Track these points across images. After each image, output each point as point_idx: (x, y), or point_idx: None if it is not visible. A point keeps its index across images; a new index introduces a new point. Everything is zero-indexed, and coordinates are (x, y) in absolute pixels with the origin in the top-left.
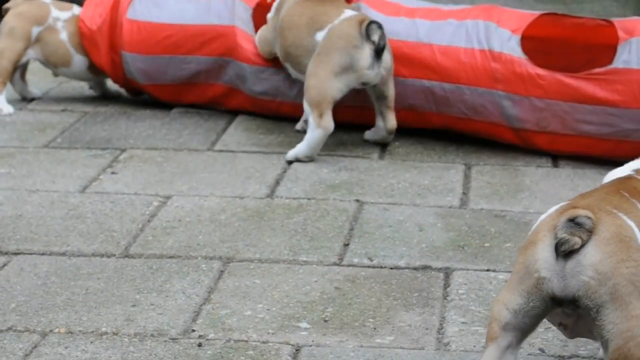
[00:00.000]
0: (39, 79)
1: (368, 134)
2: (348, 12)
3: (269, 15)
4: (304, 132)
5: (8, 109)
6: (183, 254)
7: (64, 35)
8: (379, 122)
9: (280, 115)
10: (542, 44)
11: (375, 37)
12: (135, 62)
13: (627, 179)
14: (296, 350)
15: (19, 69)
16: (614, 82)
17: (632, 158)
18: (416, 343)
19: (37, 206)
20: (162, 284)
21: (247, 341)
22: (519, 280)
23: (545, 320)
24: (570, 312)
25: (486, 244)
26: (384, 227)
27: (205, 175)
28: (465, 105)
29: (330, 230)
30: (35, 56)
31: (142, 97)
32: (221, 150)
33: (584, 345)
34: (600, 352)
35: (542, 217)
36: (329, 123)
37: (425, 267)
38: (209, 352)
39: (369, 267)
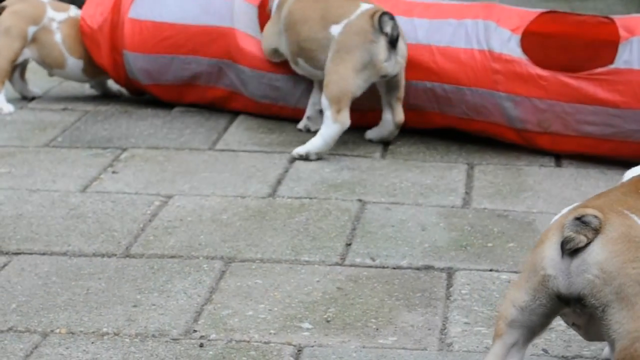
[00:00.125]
0: (39, 78)
1: (370, 133)
2: (364, 6)
3: (272, 12)
4: (306, 131)
5: (8, 108)
6: (184, 254)
7: (58, 37)
8: (387, 116)
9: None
10: (542, 43)
11: (388, 28)
12: (137, 61)
13: None
14: (298, 350)
15: (19, 68)
16: (615, 83)
17: (635, 158)
18: (419, 343)
19: (37, 206)
20: (164, 284)
21: (248, 341)
22: (526, 278)
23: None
24: (580, 311)
25: (489, 244)
26: (386, 227)
27: (206, 175)
28: (466, 106)
29: (332, 230)
30: (31, 56)
31: (143, 96)
32: (222, 150)
33: (587, 347)
34: (604, 353)
35: (556, 216)
36: (346, 118)
37: (428, 267)
38: (211, 352)
39: (371, 267)
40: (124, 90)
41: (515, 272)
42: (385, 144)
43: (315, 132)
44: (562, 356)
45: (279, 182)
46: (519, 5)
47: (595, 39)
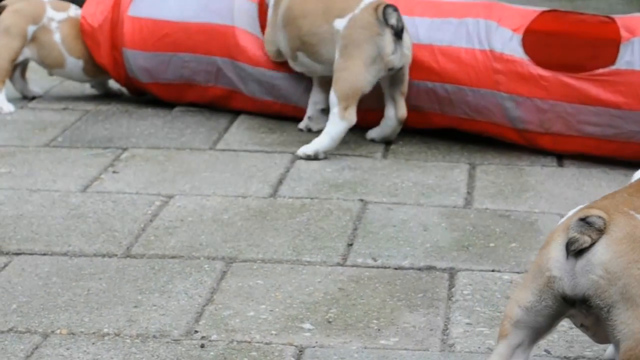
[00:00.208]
0: (39, 77)
1: (372, 133)
2: None
3: (269, 12)
4: (307, 131)
5: (8, 107)
6: (185, 254)
7: (57, 37)
8: (389, 111)
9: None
10: (544, 42)
11: (393, 20)
12: (137, 59)
13: None
14: (300, 351)
15: (20, 68)
16: (616, 84)
17: (637, 159)
18: (421, 344)
19: (38, 206)
20: (165, 285)
21: (250, 342)
22: (532, 279)
23: None
24: (587, 312)
25: (491, 244)
26: (387, 227)
27: (207, 175)
28: (468, 106)
29: (333, 230)
30: (31, 56)
31: (144, 96)
32: (223, 150)
33: (590, 347)
34: (606, 354)
35: (563, 218)
36: (352, 116)
37: (430, 268)
38: (212, 353)
39: (372, 267)
40: (124, 90)
41: (518, 272)
42: (386, 143)
43: (316, 132)
44: (565, 357)
45: (280, 182)
46: (522, 4)
47: (596, 38)
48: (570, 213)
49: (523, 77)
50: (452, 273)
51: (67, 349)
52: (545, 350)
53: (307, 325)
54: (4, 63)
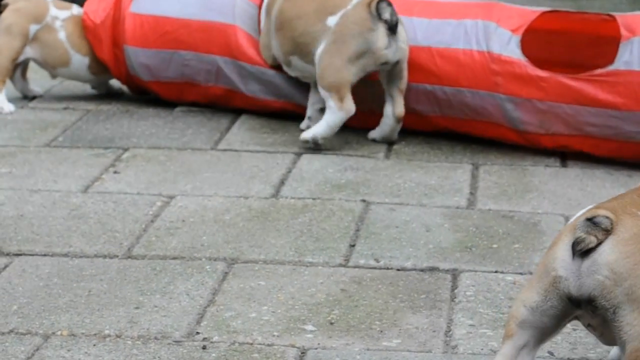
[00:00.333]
0: (40, 77)
1: (373, 133)
2: None
3: (261, 18)
4: None
5: (9, 107)
6: (187, 255)
7: (62, 35)
8: (387, 109)
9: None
10: (543, 40)
11: (387, 14)
12: (137, 56)
13: None
14: (302, 353)
15: (20, 67)
16: (615, 84)
17: (638, 159)
18: (423, 346)
19: (38, 206)
20: (166, 286)
21: (252, 344)
22: (538, 279)
23: None
24: (593, 313)
25: (494, 245)
26: (390, 228)
27: (208, 175)
28: (467, 108)
29: (336, 231)
30: (32, 55)
31: (145, 96)
32: (225, 150)
33: (593, 349)
34: (610, 356)
35: (572, 219)
36: (350, 105)
37: (433, 269)
38: (214, 354)
39: (375, 268)
40: (125, 88)
41: (521, 273)
42: (389, 144)
43: None
44: (568, 359)
45: (282, 182)
46: (525, 3)
47: (597, 35)
48: (579, 214)
49: (521, 79)
50: (455, 274)
51: (68, 350)
52: (549, 352)
53: (309, 327)
54: (5, 62)
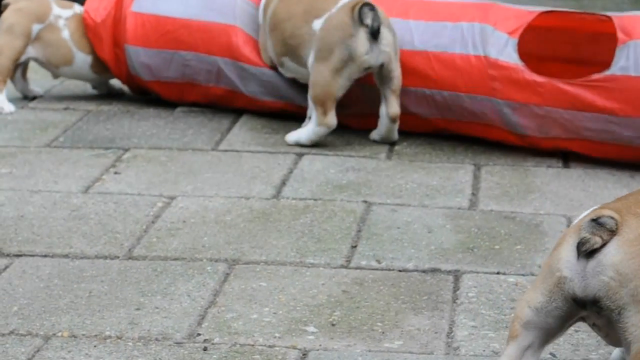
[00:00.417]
0: (40, 77)
1: (373, 134)
2: None
3: (259, 19)
4: None
5: (9, 107)
6: (188, 256)
7: (65, 34)
8: (382, 109)
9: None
10: (542, 39)
11: (368, 20)
12: (139, 56)
13: None
14: (303, 354)
15: (20, 67)
16: (612, 90)
17: (638, 162)
18: (425, 347)
19: (39, 207)
20: (167, 287)
21: (253, 345)
22: (542, 279)
23: None
24: (598, 314)
25: (496, 246)
26: (392, 229)
27: (209, 176)
28: (467, 112)
29: (337, 232)
30: (35, 55)
31: (145, 96)
32: (226, 150)
33: (595, 350)
34: (612, 357)
35: (576, 220)
36: (332, 121)
37: (434, 270)
38: (215, 356)
39: (377, 269)
40: (125, 89)
41: (523, 274)
42: (390, 144)
43: None
44: None
45: (283, 183)
46: (526, 3)
47: (594, 34)
48: (582, 215)
49: (518, 84)
50: (456, 275)
51: (69, 351)
52: (551, 354)
53: (310, 328)
54: (7, 62)
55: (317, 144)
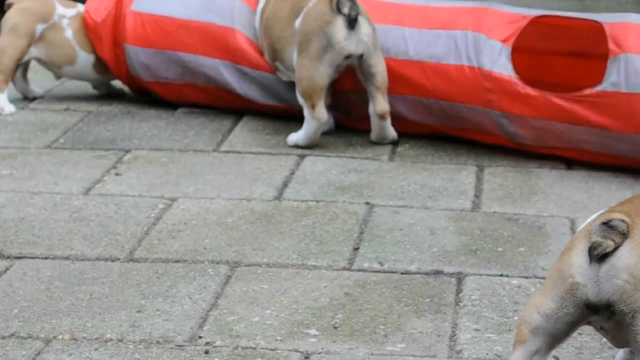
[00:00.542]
0: (40, 78)
1: (371, 136)
2: None
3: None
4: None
5: (9, 108)
6: (189, 258)
7: (69, 33)
8: (370, 109)
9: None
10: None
11: (345, 9)
12: (138, 56)
13: None
14: (305, 357)
15: (21, 68)
16: (604, 106)
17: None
18: (428, 350)
19: (39, 209)
20: (168, 289)
21: (255, 348)
22: (552, 285)
23: None
24: (609, 319)
25: (499, 249)
26: (394, 231)
27: (211, 177)
28: (465, 121)
29: (339, 234)
30: (37, 55)
31: (146, 97)
32: (227, 151)
33: (599, 354)
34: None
35: (583, 224)
36: (321, 114)
37: (437, 272)
38: (216, 359)
39: (379, 272)
40: (126, 89)
41: (526, 277)
42: (393, 145)
43: (323, 132)
44: None
45: (285, 184)
46: (529, 3)
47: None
48: (589, 219)
49: (513, 96)
50: (459, 278)
51: (70, 354)
52: (554, 357)
53: (312, 331)
54: (9, 62)
55: (318, 145)
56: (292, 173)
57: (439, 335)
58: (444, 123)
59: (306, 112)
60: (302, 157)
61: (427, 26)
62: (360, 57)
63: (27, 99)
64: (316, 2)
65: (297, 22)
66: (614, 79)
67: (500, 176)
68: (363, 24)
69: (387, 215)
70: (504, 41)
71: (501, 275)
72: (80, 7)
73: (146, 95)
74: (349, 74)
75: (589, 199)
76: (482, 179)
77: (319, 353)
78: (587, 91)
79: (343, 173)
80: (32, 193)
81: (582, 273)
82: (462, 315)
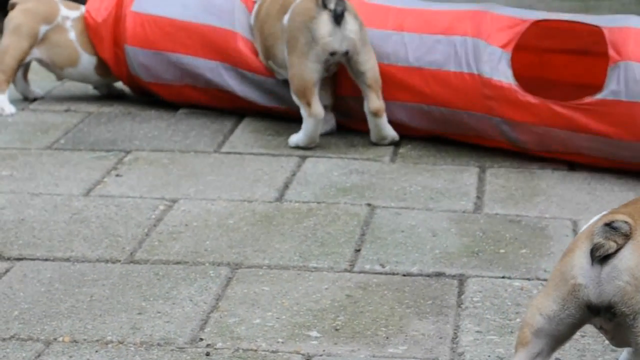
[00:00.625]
0: (41, 79)
1: (370, 136)
2: None
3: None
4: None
5: (10, 109)
6: (190, 260)
7: (72, 35)
8: (365, 107)
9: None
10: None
11: (332, 4)
12: (137, 56)
13: None
14: (307, 359)
15: (22, 68)
16: (604, 115)
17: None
18: (430, 353)
19: (40, 210)
20: (169, 291)
21: (256, 350)
22: (554, 287)
23: None
24: (610, 320)
25: (501, 250)
26: (396, 233)
27: (212, 178)
28: (467, 127)
29: (341, 236)
30: (39, 56)
31: (147, 97)
32: (229, 153)
33: (602, 356)
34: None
35: (585, 225)
36: (317, 110)
37: (439, 274)
38: None
39: (381, 273)
40: (127, 90)
41: (528, 279)
42: (395, 145)
43: (324, 133)
44: None
45: (286, 186)
46: (533, 3)
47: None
48: (592, 221)
49: (513, 104)
50: (461, 280)
51: (70, 357)
52: (557, 359)
53: (314, 333)
54: (12, 62)
55: (320, 147)
56: (294, 174)
57: (440, 338)
58: (445, 129)
59: (303, 111)
60: (304, 158)
61: (427, 31)
62: (347, 54)
63: (27, 99)
64: None
65: (285, 18)
66: (614, 87)
67: (503, 177)
68: (349, 21)
69: (388, 217)
70: (503, 47)
71: (503, 277)
72: (84, 9)
73: (147, 96)
74: (351, 82)
75: (592, 201)
76: (484, 180)
77: (320, 355)
78: (587, 99)
79: (344, 174)
80: (32, 194)
81: (584, 274)
82: (464, 318)
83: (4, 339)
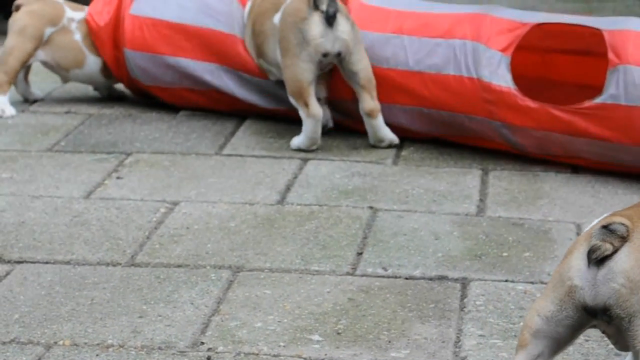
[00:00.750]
0: (41, 80)
1: (369, 138)
2: None
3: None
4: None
5: (10, 111)
6: (191, 263)
7: (78, 36)
8: (360, 108)
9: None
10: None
11: (323, 6)
12: (136, 59)
13: None
14: None
15: (23, 70)
16: (603, 119)
17: None
18: (432, 357)
19: (40, 212)
20: (170, 294)
21: (257, 354)
22: (552, 288)
23: None
24: (608, 323)
25: (504, 254)
26: (398, 236)
27: (213, 181)
28: (467, 130)
29: (343, 239)
30: (44, 58)
31: (148, 100)
32: (230, 155)
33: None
34: None
35: (587, 228)
36: (316, 110)
37: (442, 278)
38: None
39: (383, 277)
40: (127, 91)
41: (532, 282)
42: (397, 148)
43: (328, 130)
44: None
45: (288, 188)
46: (536, 4)
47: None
48: (594, 222)
49: (513, 108)
50: (464, 283)
51: None
52: None
53: (315, 337)
54: (15, 64)
55: (321, 149)
56: (295, 177)
57: (443, 342)
58: (446, 132)
59: (301, 112)
60: (305, 160)
61: (427, 34)
62: (339, 55)
63: (27, 101)
64: None
65: (276, 18)
66: (613, 91)
67: (506, 180)
68: (341, 22)
69: (391, 220)
70: (503, 50)
71: (506, 281)
72: (88, 10)
73: (147, 98)
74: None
75: (595, 204)
76: (487, 182)
77: (322, 359)
78: (587, 103)
79: (346, 177)
80: (32, 197)
81: (580, 276)
82: (466, 321)
83: (4, 343)
